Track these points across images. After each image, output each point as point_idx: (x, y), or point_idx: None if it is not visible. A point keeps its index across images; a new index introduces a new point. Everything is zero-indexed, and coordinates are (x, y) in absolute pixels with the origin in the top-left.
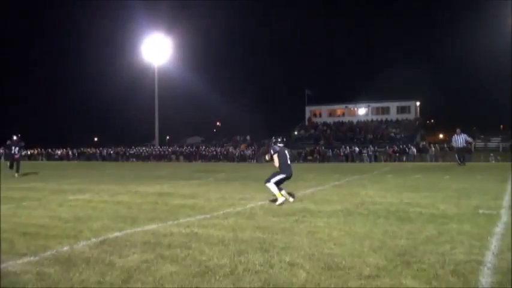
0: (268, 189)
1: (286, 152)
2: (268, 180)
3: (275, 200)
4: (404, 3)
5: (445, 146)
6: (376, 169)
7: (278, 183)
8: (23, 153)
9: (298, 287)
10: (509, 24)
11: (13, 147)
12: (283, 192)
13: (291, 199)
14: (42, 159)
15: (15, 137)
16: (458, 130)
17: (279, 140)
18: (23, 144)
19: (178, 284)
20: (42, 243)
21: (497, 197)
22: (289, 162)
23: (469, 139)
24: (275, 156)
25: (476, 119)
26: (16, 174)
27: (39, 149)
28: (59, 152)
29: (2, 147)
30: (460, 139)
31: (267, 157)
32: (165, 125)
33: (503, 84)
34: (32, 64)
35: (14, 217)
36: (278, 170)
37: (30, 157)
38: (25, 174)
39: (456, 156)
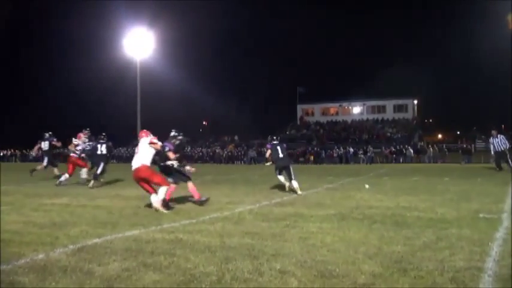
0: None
1: (278, 147)
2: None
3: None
4: None
5: (444, 146)
6: (372, 171)
7: (279, 174)
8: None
9: None
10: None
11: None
12: (290, 183)
13: (289, 190)
14: (15, 161)
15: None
16: (494, 132)
17: (274, 138)
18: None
19: None
20: (15, 250)
21: (499, 200)
22: (280, 155)
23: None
24: (267, 153)
25: (478, 119)
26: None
27: (12, 150)
28: (34, 153)
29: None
30: (497, 141)
31: (267, 162)
32: (147, 124)
33: (508, 83)
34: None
35: None
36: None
37: (2, 159)
38: None
39: (504, 161)
